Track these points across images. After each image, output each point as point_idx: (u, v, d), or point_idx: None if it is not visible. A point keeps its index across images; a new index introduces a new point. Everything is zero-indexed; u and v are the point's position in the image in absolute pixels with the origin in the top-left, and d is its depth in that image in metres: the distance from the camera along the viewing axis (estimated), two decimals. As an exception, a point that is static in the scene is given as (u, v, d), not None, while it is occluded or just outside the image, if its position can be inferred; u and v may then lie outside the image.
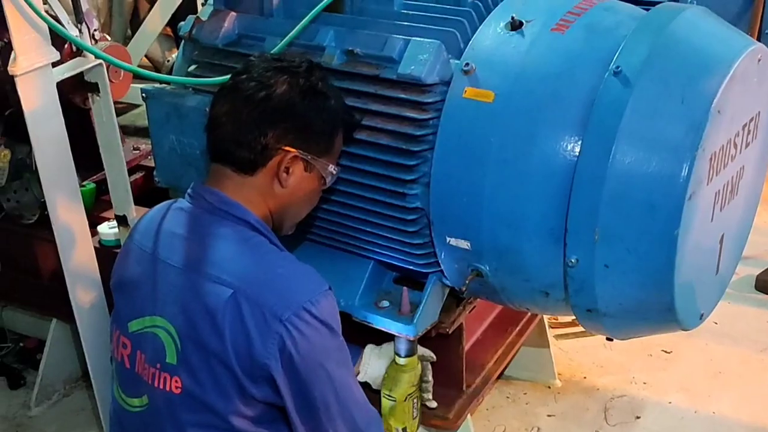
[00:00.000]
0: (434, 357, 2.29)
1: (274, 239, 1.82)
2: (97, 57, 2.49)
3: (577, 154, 1.77)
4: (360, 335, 2.17)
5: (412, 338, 2.11)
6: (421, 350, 2.24)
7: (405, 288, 2.14)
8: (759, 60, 1.88)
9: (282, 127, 1.77)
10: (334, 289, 1.76)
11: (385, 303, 2.17)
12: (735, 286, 2.13)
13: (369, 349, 2.24)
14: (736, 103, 1.81)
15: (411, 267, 2.10)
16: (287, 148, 1.78)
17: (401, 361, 2.17)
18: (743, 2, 4.13)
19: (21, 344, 3.63)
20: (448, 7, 2.06)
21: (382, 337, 2.20)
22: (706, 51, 1.81)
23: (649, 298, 1.81)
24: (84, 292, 2.57)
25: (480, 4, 2.03)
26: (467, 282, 1.96)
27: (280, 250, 1.80)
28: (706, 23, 1.92)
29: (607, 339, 2.06)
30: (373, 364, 2.23)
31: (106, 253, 2.70)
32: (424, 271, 2.10)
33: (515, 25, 1.92)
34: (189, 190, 1.86)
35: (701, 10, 1.95)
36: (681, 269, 1.75)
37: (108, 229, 2.92)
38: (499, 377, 2.87)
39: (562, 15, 1.94)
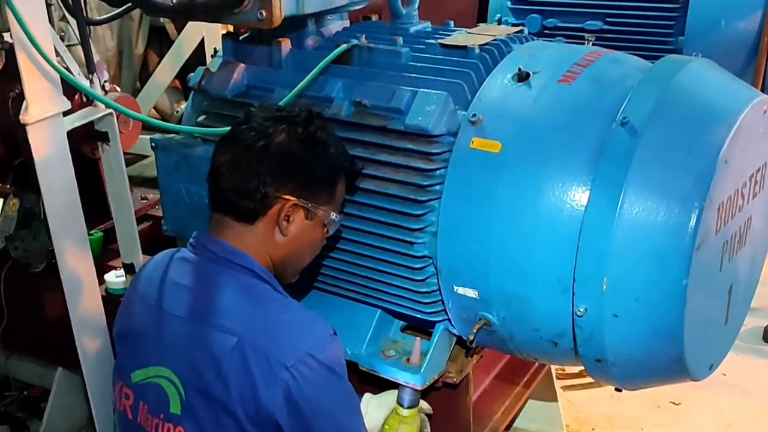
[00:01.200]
0: (431, 410, 2.26)
1: (278, 286, 1.83)
2: (107, 106, 2.52)
3: (585, 203, 1.77)
4: (359, 384, 2.16)
5: (419, 388, 2.10)
6: (420, 402, 2.22)
7: (418, 338, 2.13)
8: (765, 111, 1.89)
9: (281, 176, 1.79)
10: (340, 338, 1.76)
11: (392, 352, 2.16)
12: (743, 338, 2.13)
13: (367, 398, 2.21)
14: (743, 153, 1.82)
15: (418, 315, 2.10)
16: (287, 197, 1.79)
17: (404, 412, 2.14)
18: (747, 55, 4.17)
19: (25, 393, 3.61)
20: (456, 59, 2.08)
21: (380, 386, 2.19)
22: (712, 102, 1.83)
23: (658, 348, 1.79)
24: (91, 340, 2.56)
25: (487, 56, 2.06)
26: (475, 331, 1.96)
27: (284, 297, 1.81)
28: (712, 75, 1.94)
29: (616, 389, 2.05)
30: (372, 413, 2.19)
31: (113, 302, 2.69)
32: (432, 319, 2.09)
33: (522, 77, 1.94)
34: (191, 240, 1.88)
35: (706, 62, 1.97)
36: (690, 319, 1.74)
37: (115, 277, 2.92)
38: (506, 429, 2.85)
39: (568, 67, 1.96)
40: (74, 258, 2.45)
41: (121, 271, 2.89)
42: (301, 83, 2.09)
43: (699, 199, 1.68)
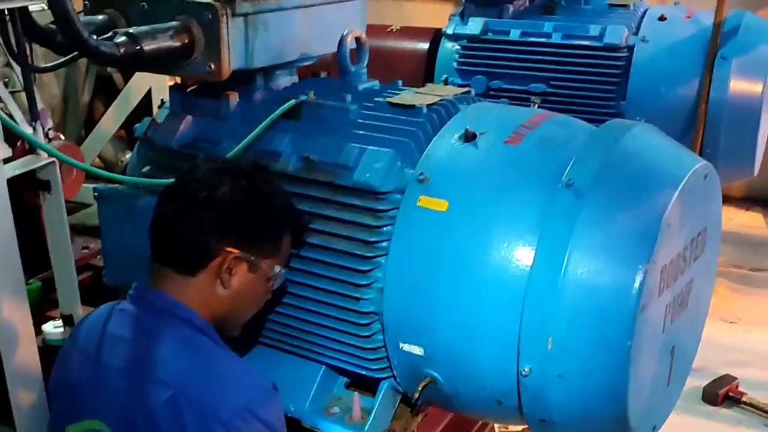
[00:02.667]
0: None
1: (218, 339, 1.81)
2: (50, 155, 2.48)
3: (530, 264, 1.78)
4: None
5: (363, 446, 2.08)
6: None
7: (356, 393, 2.11)
8: (705, 177, 1.93)
9: (223, 228, 1.78)
10: (283, 394, 1.74)
11: (336, 409, 2.12)
12: (683, 398, 2.15)
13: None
14: (685, 217, 1.85)
15: (363, 372, 2.08)
16: (229, 249, 1.78)
17: None
18: (686, 121, 4.28)
19: (-46, 447, 3.50)
20: (404, 117, 2.09)
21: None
22: (655, 166, 1.86)
23: (602, 410, 1.80)
24: (25, 393, 2.49)
25: (434, 115, 2.07)
26: (420, 389, 1.94)
27: (223, 350, 1.79)
28: (655, 139, 1.98)
29: (560, 450, 2.04)
30: None
31: (50, 353, 2.63)
32: (377, 376, 2.07)
33: (469, 137, 1.96)
34: (131, 291, 1.86)
35: (649, 127, 2.01)
36: (634, 381, 1.75)
37: (53, 328, 2.86)
38: (448, 488, 2.82)
39: (514, 128, 1.99)
40: (10, 308, 2.39)
41: (60, 322, 2.83)
42: (249, 137, 2.09)
43: (643, 261, 1.70)
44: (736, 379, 4.14)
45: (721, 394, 4.06)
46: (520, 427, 3.39)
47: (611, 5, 4.75)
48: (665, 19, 4.45)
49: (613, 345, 1.72)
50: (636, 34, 4.38)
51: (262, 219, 1.83)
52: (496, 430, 3.16)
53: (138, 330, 1.79)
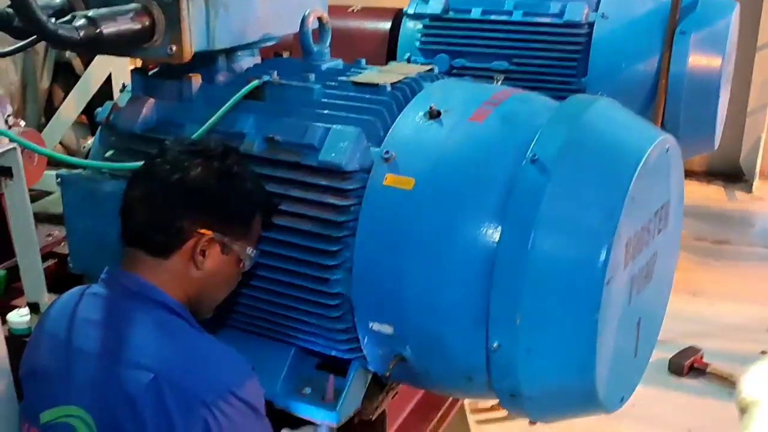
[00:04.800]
0: None
1: (194, 322, 1.80)
2: (11, 140, 2.45)
3: (497, 239, 1.79)
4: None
5: (335, 425, 2.08)
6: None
7: (331, 375, 2.11)
8: (667, 150, 1.95)
9: (196, 210, 1.78)
10: (254, 377, 1.74)
11: (307, 390, 2.13)
12: (649, 370, 2.18)
13: (285, 433, 2.19)
14: (648, 190, 1.87)
15: (333, 353, 2.08)
16: (203, 231, 1.78)
17: None
18: (646, 96, 4.31)
19: None
20: (368, 96, 2.08)
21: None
22: (618, 140, 1.88)
23: (571, 382, 1.82)
24: (-8, 383, 2.47)
25: (399, 93, 2.07)
26: (391, 367, 1.95)
27: (200, 333, 1.79)
28: (617, 114, 1.99)
29: (530, 423, 2.07)
30: None
31: (16, 342, 2.61)
32: (347, 356, 2.08)
33: (433, 114, 1.96)
34: (103, 275, 1.84)
35: (611, 102, 2.02)
36: (601, 353, 1.77)
37: (19, 317, 2.83)
38: (420, 465, 2.84)
39: (479, 105, 1.99)
40: (-26, 298, 2.37)
41: (25, 311, 2.80)
42: (213, 118, 2.07)
43: (608, 234, 1.72)
44: (700, 350, 4.20)
45: (687, 365, 4.13)
46: (490, 403, 3.42)
47: (570, -18, 4.76)
48: (625, -5, 4.47)
49: (580, 318, 1.74)
50: (596, 10, 4.38)
51: (234, 200, 1.83)
52: (467, 406, 3.19)
53: (111, 314, 1.78)
